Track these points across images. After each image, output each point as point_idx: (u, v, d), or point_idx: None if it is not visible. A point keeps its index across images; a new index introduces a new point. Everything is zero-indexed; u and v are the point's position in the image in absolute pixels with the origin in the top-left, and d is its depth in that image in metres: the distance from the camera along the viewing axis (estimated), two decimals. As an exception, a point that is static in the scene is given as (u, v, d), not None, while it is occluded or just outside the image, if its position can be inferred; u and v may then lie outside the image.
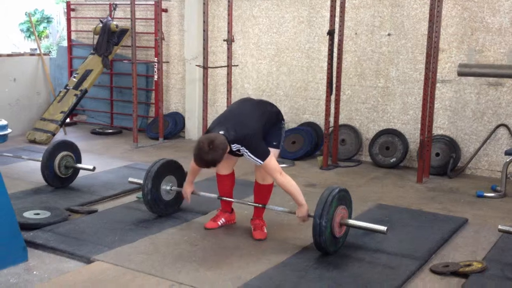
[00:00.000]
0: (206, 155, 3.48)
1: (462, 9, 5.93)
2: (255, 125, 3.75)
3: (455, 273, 3.41)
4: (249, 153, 3.66)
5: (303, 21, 6.85)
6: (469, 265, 3.48)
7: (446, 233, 4.12)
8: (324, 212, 3.53)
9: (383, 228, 3.65)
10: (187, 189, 4.19)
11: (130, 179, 4.61)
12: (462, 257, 3.70)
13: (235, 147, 3.66)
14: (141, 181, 4.31)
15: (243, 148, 3.65)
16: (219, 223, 4.15)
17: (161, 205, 4.31)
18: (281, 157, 6.56)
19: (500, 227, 3.75)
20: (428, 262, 3.62)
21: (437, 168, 5.98)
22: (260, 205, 4.00)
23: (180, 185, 4.35)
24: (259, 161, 3.67)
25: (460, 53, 5.98)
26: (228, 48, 6.56)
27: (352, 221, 3.79)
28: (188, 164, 6.13)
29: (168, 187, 4.33)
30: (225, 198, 4.14)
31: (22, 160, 5.87)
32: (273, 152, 3.88)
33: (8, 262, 3.38)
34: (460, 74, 5.14)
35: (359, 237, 3.99)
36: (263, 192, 4.02)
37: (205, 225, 4.15)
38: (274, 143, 3.94)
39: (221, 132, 3.61)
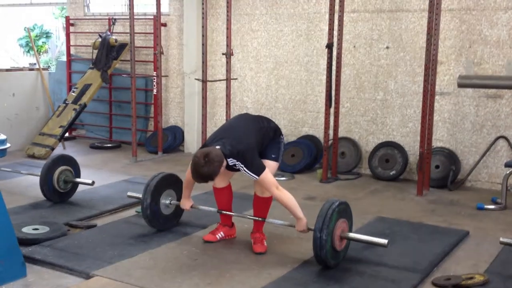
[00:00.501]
0: (202, 168, 3.49)
1: (460, 22, 5.96)
2: (251, 141, 3.76)
3: (457, 286, 3.39)
4: (244, 168, 3.67)
5: (302, 34, 6.87)
6: (471, 278, 3.46)
7: (447, 246, 4.10)
8: (324, 226, 3.51)
9: (384, 241, 3.63)
10: (185, 204, 4.19)
11: (129, 194, 4.60)
12: (464, 270, 3.68)
13: (231, 161, 3.67)
14: (140, 196, 4.29)
15: (238, 163, 3.66)
16: (218, 237, 4.13)
17: (160, 220, 4.29)
18: (281, 170, 6.54)
19: (501, 239, 3.74)
20: (429, 275, 3.60)
21: (437, 181, 5.97)
22: (260, 219, 3.99)
23: (179, 199, 4.33)
24: (255, 176, 3.67)
25: (458, 66, 5.99)
26: (227, 62, 6.57)
27: (352, 234, 3.77)
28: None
29: (168, 201, 4.31)
30: (224, 212, 4.12)
31: (21, 175, 5.85)
32: (272, 166, 3.88)
33: (7, 278, 3.35)
34: (460, 85, 5.16)
35: (360, 251, 3.96)
36: (262, 205, 4.00)
37: (204, 237, 4.13)
38: (273, 156, 3.95)
39: (218, 147, 3.62)
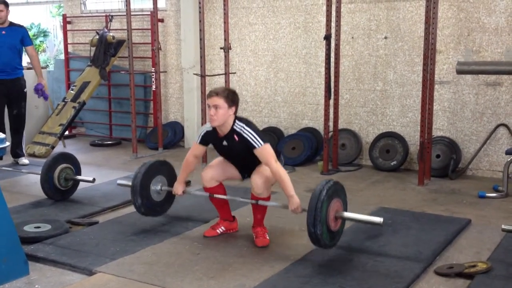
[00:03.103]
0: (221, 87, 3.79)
1: (458, 10, 5.94)
2: None
3: (460, 275, 3.39)
4: (251, 133, 3.73)
5: (299, 26, 6.85)
6: (474, 266, 3.46)
7: (450, 234, 4.10)
8: (316, 220, 3.46)
9: (379, 219, 3.60)
10: (178, 188, 4.15)
11: (119, 182, 4.58)
12: (467, 258, 3.68)
13: (239, 125, 3.77)
14: (130, 183, 4.22)
15: (246, 129, 3.74)
16: (218, 231, 4.13)
17: (151, 206, 4.24)
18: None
19: (503, 226, 3.74)
20: (432, 264, 3.60)
21: (438, 170, 5.96)
22: (254, 201, 3.91)
23: (170, 185, 4.26)
24: (259, 142, 3.71)
25: (457, 54, 5.98)
26: (225, 56, 6.55)
27: (347, 214, 3.70)
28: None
29: (158, 187, 4.24)
30: (217, 196, 4.05)
31: (22, 173, 5.86)
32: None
33: (10, 276, 3.36)
34: (459, 72, 5.14)
35: (362, 241, 3.97)
36: (260, 205, 3.95)
37: (204, 233, 4.13)
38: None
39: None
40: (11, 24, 6.45)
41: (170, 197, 4.34)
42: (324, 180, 3.68)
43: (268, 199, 3.94)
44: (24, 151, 6.76)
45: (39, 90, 6.74)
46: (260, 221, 4.02)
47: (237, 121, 3.81)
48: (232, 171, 4.09)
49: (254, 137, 3.75)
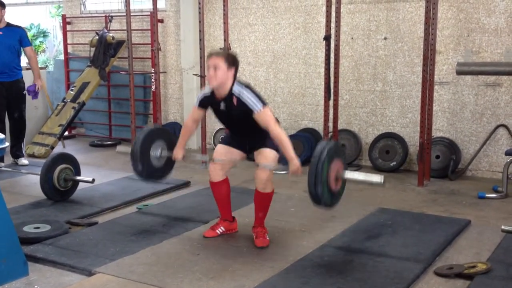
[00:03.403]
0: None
1: (458, 10, 5.94)
2: None
3: (460, 275, 3.39)
4: (249, 96, 3.69)
5: (299, 27, 6.85)
6: (473, 267, 3.45)
7: (449, 235, 4.10)
8: (317, 180, 3.42)
9: (379, 178, 3.55)
10: (178, 153, 4.11)
11: (118, 149, 4.60)
12: (466, 259, 3.68)
13: (237, 89, 3.72)
14: (128, 150, 4.19)
15: (246, 90, 3.71)
16: (218, 232, 4.12)
17: (157, 174, 4.23)
18: (281, 164, 6.54)
19: (503, 227, 3.73)
20: (432, 265, 3.60)
21: (438, 171, 5.96)
22: (257, 164, 3.86)
23: (170, 146, 4.22)
24: (258, 105, 3.68)
25: (457, 55, 5.98)
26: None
27: (347, 174, 3.65)
28: (186, 175, 6.14)
29: (158, 153, 4.18)
30: (217, 159, 4.00)
31: (21, 174, 5.85)
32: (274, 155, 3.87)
33: (9, 277, 3.35)
34: (459, 73, 5.13)
35: (361, 242, 3.97)
36: (263, 201, 3.97)
37: (204, 233, 4.12)
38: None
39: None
40: (8, 24, 6.39)
41: (170, 163, 4.26)
42: (324, 141, 3.62)
43: (272, 193, 3.92)
44: (23, 152, 6.73)
45: (31, 92, 6.57)
46: (261, 220, 4.00)
47: (236, 84, 3.76)
48: (235, 153, 4.01)
49: (253, 101, 3.69)
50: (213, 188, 4.11)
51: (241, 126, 3.90)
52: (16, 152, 6.53)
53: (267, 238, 3.96)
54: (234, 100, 3.75)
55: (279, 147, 3.77)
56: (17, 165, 6.45)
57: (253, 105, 3.69)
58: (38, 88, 6.61)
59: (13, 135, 6.50)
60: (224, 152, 4.03)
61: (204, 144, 6.58)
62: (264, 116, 3.69)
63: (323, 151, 3.46)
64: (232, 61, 3.75)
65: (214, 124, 7.54)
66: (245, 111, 3.71)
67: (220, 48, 3.64)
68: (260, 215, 3.99)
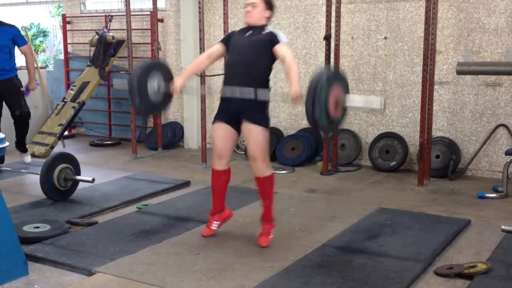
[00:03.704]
0: None
1: (458, 10, 5.94)
2: None
3: (460, 275, 3.39)
4: (282, 34, 3.84)
5: (299, 27, 6.85)
6: (473, 267, 3.45)
7: (449, 235, 4.10)
8: (316, 101, 3.38)
9: (378, 103, 3.54)
10: (177, 81, 4.02)
11: (115, 84, 4.64)
12: (466, 259, 3.68)
13: (270, 28, 3.89)
14: (126, 84, 4.13)
15: (276, 32, 3.84)
16: (214, 228, 4.10)
17: (156, 107, 4.18)
18: (281, 163, 6.55)
19: (503, 227, 3.74)
20: (432, 264, 3.60)
21: (438, 170, 5.96)
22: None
23: (168, 79, 4.13)
24: (285, 40, 3.82)
25: (457, 55, 5.98)
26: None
27: (347, 100, 3.60)
28: (186, 175, 6.14)
29: (156, 86, 4.07)
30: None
31: (21, 173, 5.85)
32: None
33: (9, 276, 3.35)
34: (459, 72, 5.13)
35: (361, 242, 3.97)
36: (265, 185, 3.90)
37: (202, 233, 4.12)
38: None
39: None
40: (1, 23, 6.20)
41: (169, 96, 4.18)
42: (320, 69, 3.61)
43: (271, 176, 3.88)
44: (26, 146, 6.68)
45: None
46: (269, 211, 3.92)
47: (268, 26, 3.90)
48: (227, 130, 3.91)
49: (283, 36, 3.83)
50: (213, 176, 4.04)
51: (247, 62, 3.82)
52: (21, 146, 6.54)
53: (271, 237, 3.91)
54: (265, 32, 3.86)
55: (289, 78, 3.74)
56: (21, 162, 6.50)
57: (282, 38, 3.81)
58: (29, 91, 6.54)
59: (17, 132, 6.45)
60: (218, 131, 3.95)
61: (204, 144, 6.58)
62: (287, 47, 3.80)
63: (323, 74, 3.44)
64: (270, 4, 3.92)
65: (214, 123, 7.54)
66: (269, 41, 3.78)
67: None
68: (266, 202, 3.92)
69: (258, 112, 3.82)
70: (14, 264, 3.39)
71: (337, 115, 3.57)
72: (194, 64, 4.12)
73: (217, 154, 3.98)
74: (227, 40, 4.00)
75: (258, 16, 3.86)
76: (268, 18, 3.93)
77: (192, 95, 7.47)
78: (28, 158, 6.56)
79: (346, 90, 3.65)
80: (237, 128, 3.94)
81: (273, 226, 3.99)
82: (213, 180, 4.08)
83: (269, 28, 3.89)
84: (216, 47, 4.04)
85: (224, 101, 3.95)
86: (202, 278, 3.38)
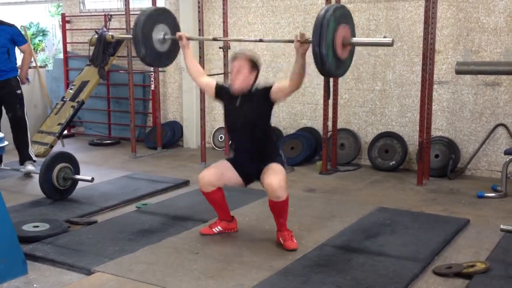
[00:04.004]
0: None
1: (457, 10, 5.94)
2: None
3: (459, 274, 3.39)
4: (266, 84, 3.80)
5: (299, 26, 6.85)
6: (472, 266, 3.46)
7: (448, 234, 4.10)
8: (322, 39, 3.26)
9: (388, 40, 3.44)
10: (182, 34, 4.11)
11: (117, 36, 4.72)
12: (465, 258, 3.68)
13: (256, 85, 3.84)
14: (130, 36, 4.23)
15: (263, 84, 3.83)
16: (215, 230, 4.11)
17: (162, 58, 4.20)
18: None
19: (502, 226, 3.73)
20: (431, 264, 3.60)
21: (437, 170, 5.96)
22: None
23: (173, 29, 4.15)
24: (271, 81, 3.88)
25: (456, 54, 5.98)
26: (224, 56, 6.55)
27: (355, 39, 3.55)
28: (185, 174, 6.14)
29: (161, 36, 4.08)
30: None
31: (20, 173, 5.85)
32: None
33: (8, 275, 3.35)
34: (458, 72, 5.11)
35: (361, 241, 3.97)
36: (281, 208, 3.81)
37: (201, 230, 4.13)
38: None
39: None
40: (0, 23, 5.98)
41: (175, 46, 4.17)
42: (326, 6, 3.52)
43: (287, 198, 3.78)
44: (31, 153, 6.18)
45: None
46: (284, 225, 3.89)
47: (255, 86, 3.83)
48: (232, 175, 3.96)
49: (266, 82, 3.83)
50: (205, 196, 4.06)
51: (249, 130, 3.83)
52: (22, 158, 6.11)
53: (295, 240, 3.87)
54: (255, 91, 3.81)
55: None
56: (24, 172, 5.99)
57: (267, 83, 3.80)
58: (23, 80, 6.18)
59: (13, 137, 6.10)
60: (223, 168, 3.97)
61: (203, 143, 6.58)
62: (279, 83, 3.78)
63: (329, 10, 3.34)
64: (255, 65, 3.82)
65: (213, 122, 7.55)
66: (264, 96, 3.74)
67: (237, 51, 3.66)
68: (281, 221, 3.88)
69: (272, 157, 3.86)
70: (13, 263, 3.39)
71: (345, 56, 3.50)
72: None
73: (206, 182, 3.96)
74: (219, 92, 3.99)
75: (244, 81, 3.78)
76: (256, 77, 3.84)
77: (192, 100, 7.47)
78: (30, 167, 5.99)
79: (353, 31, 3.56)
80: (247, 181, 4.01)
81: (291, 232, 3.92)
82: (208, 199, 4.08)
83: (256, 85, 3.83)
84: (211, 82, 4.07)
85: (240, 159, 3.99)
86: (201, 277, 3.39)
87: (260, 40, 4.45)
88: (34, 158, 6.19)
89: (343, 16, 3.46)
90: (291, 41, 3.61)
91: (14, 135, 6.12)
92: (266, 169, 3.80)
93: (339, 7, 3.46)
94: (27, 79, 6.36)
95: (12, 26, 6.11)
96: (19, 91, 6.07)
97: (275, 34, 7.02)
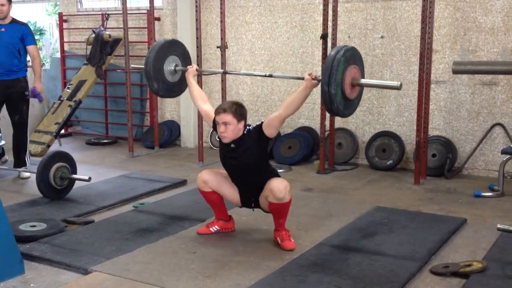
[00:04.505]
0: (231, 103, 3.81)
1: (454, 9, 5.95)
2: None
3: (456, 274, 3.40)
4: (256, 126, 3.80)
5: (296, 25, 6.85)
6: (469, 265, 3.46)
7: (445, 233, 4.10)
8: (331, 79, 3.32)
9: (396, 83, 3.48)
10: (192, 67, 4.21)
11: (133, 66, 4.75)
12: (462, 257, 3.68)
13: (247, 130, 3.82)
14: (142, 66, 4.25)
15: (253, 126, 3.82)
16: (212, 230, 4.11)
17: (175, 89, 4.27)
18: (278, 162, 6.55)
19: (499, 226, 3.73)
20: (428, 263, 3.60)
21: (434, 169, 5.97)
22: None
23: (184, 59, 4.26)
24: (260, 123, 3.81)
25: (453, 54, 5.99)
26: (221, 55, 6.55)
27: (364, 80, 3.59)
28: (182, 173, 6.14)
29: (172, 68, 4.18)
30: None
31: (17, 172, 5.84)
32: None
33: (5, 275, 3.35)
34: (455, 72, 5.12)
35: (358, 241, 3.97)
36: (283, 209, 3.82)
37: (198, 230, 4.13)
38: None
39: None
40: (13, 21, 5.81)
41: (183, 80, 4.27)
42: (338, 46, 3.57)
43: (290, 200, 3.78)
44: (27, 159, 5.96)
45: (35, 94, 5.99)
46: (283, 225, 3.90)
47: (246, 129, 3.82)
48: (230, 190, 3.98)
49: (256, 123, 3.82)
50: (203, 195, 4.07)
51: (247, 169, 3.84)
52: (17, 162, 5.91)
53: (292, 240, 3.87)
54: (246, 136, 3.80)
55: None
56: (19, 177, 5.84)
57: (257, 124, 3.81)
58: (38, 92, 6.00)
59: (13, 140, 5.91)
60: (218, 178, 3.98)
61: (200, 143, 6.57)
62: (268, 118, 3.78)
63: (340, 51, 3.40)
64: (241, 114, 3.77)
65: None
66: (258, 138, 3.77)
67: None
68: (280, 221, 3.89)
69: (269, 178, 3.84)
70: (10, 263, 3.39)
71: (353, 96, 3.52)
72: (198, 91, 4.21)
73: (204, 182, 3.98)
74: (216, 127, 3.90)
75: (233, 134, 3.77)
76: (245, 125, 3.82)
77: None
78: (26, 174, 5.75)
79: (362, 72, 3.62)
80: (244, 203, 4.02)
81: (288, 231, 3.93)
82: (205, 198, 4.09)
83: (247, 130, 3.82)
84: (210, 115, 3.99)
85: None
86: (199, 277, 3.38)
87: (270, 76, 4.45)
88: (28, 163, 5.96)
89: (352, 58, 3.53)
90: (302, 78, 3.73)
91: (15, 138, 5.92)
92: (266, 187, 3.80)
93: (350, 49, 3.52)
94: (39, 95, 6.05)
95: (24, 24, 5.92)
96: (27, 93, 5.93)
97: (272, 33, 7.01)
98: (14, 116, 5.89)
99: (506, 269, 3.45)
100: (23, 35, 5.81)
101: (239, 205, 4.06)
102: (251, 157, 3.81)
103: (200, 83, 6.49)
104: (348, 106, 3.54)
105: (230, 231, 4.17)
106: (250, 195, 3.95)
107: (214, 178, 3.98)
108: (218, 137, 3.89)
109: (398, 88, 3.49)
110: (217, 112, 3.78)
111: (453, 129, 6.13)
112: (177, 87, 4.29)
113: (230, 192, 4.00)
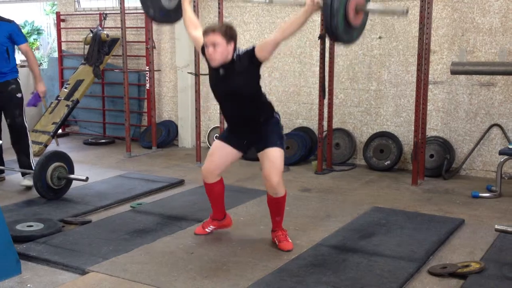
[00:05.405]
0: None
1: (452, 10, 5.95)
2: None
3: (454, 274, 3.40)
4: (248, 48, 3.60)
5: (294, 26, 6.83)
6: (467, 266, 3.46)
7: (443, 234, 4.10)
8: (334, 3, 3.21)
9: (402, 9, 3.35)
10: None
11: None
12: (460, 258, 3.69)
13: (237, 52, 3.63)
14: None
15: (245, 49, 3.63)
16: (208, 230, 4.10)
17: (170, 15, 4.21)
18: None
19: (496, 226, 3.74)
20: (426, 264, 3.60)
21: (432, 170, 5.97)
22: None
23: None
24: (253, 45, 3.62)
25: (451, 54, 5.99)
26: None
27: (369, 7, 3.43)
28: (180, 174, 6.13)
29: None
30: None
31: (15, 172, 5.82)
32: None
33: (2, 275, 3.33)
34: (453, 72, 5.14)
35: (356, 241, 3.97)
36: (278, 205, 3.83)
37: (195, 231, 4.12)
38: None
39: None
40: None
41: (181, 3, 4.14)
42: None
43: (285, 195, 3.79)
44: (32, 163, 5.53)
45: (31, 104, 5.68)
46: (279, 224, 3.89)
47: (236, 53, 3.61)
48: (228, 151, 3.87)
49: (248, 46, 3.62)
50: (206, 188, 4.05)
51: (238, 98, 3.71)
52: (21, 165, 5.56)
53: (290, 240, 3.87)
54: (236, 61, 3.61)
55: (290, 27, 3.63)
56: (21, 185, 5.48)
57: (248, 48, 3.61)
58: (42, 96, 5.66)
59: (13, 145, 5.62)
60: (219, 150, 3.91)
61: (198, 143, 6.57)
62: (261, 41, 3.61)
63: None
64: (231, 35, 3.57)
65: (208, 122, 7.53)
66: (249, 61, 3.59)
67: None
68: (277, 219, 3.88)
69: (271, 133, 3.78)
70: (6, 263, 3.37)
71: (357, 23, 3.42)
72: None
73: (210, 171, 3.93)
74: (205, 53, 3.72)
75: (222, 56, 3.57)
76: (234, 48, 3.61)
77: (187, 99, 7.45)
78: (28, 182, 5.36)
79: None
80: (244, 150, 3.92)
81: (286, 231, 3.92)
82: (207, 192, 4.06)
83: (237, 52, 3.63)
84: (199, 41, 3.78)
85: (232, 130, 3.89)
86: (196, 277, 3.38)
87: (270, 2, 4.31)
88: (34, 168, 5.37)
89: None
90: (303, 4, 3.56)
91: (13, 142, 5.62)
92: (264, 153, 3.71)
93: None
94: (37, 96, 5.65)
95: (11, 22, 5.43)
96: (19, 95, 5.49)
97: (270, 33, 7.00)
98: (6, 120, 5.56)
99: (504, 270, 3.45)
100: (11, 33, 5.33)
101: (241, 156, 3.97)
102: (241, 81, 3.64)
103: (198, 84, 6.50)
104: (347, 31, 3.38)
105: (227, 228, 4.15)
106: (245, 132, 3.82)
107: (211, 161, 3.90)
108: (207, 60, 3.69)
109: (403, 13, 3.31)
110: (206, 32, 3.56)
111: (451, 129, 6.13)
112: (173, 13, 4.21)
113: (229, 151, 3.86)
